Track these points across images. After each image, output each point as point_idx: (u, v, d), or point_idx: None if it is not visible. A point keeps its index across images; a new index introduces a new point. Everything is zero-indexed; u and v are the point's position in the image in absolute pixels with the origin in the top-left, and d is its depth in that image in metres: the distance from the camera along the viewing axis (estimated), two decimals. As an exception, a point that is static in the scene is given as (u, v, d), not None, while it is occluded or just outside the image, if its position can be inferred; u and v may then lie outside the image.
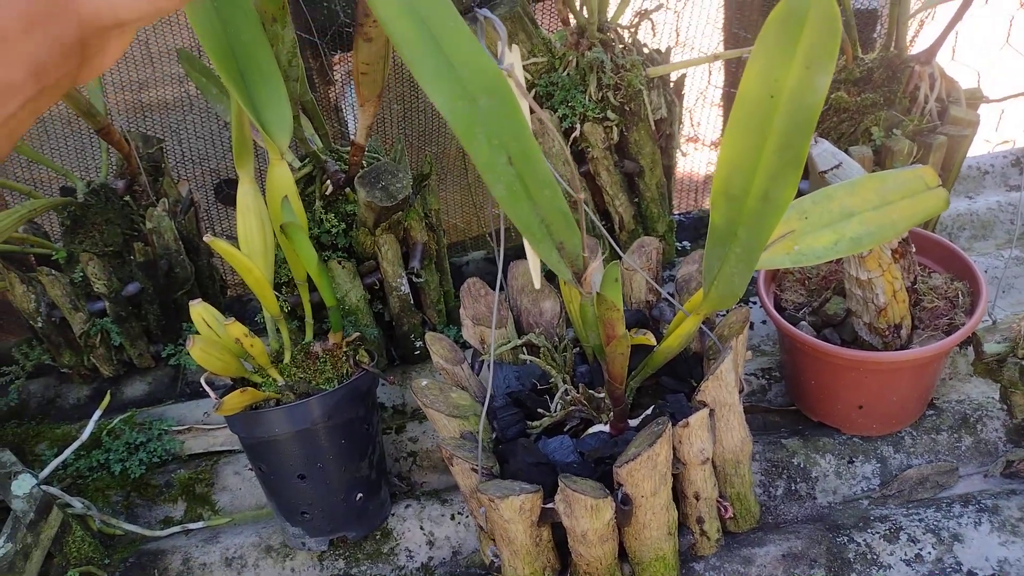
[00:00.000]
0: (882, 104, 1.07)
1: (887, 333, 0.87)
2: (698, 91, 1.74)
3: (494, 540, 0.86)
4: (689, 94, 1.80)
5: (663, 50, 1.22)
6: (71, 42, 0.33)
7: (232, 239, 1.09)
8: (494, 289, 1.04)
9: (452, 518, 1.01)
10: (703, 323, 0.80)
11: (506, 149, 0.54)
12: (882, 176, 0.75)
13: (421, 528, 1.01)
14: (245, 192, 0.94)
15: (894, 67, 1.07)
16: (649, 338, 0.78)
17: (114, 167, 1.29)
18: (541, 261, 0.75)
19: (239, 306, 1.45)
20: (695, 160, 2.21)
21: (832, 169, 0.82)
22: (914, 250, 0.90)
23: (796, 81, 0.50)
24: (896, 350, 0.87)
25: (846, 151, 1.04)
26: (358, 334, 1.02)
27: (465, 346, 1.13)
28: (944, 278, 0.93)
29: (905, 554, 0.85)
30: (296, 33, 0.97)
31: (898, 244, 0.85)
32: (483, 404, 0.90)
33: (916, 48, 1.16)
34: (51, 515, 0.97)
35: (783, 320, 0.90)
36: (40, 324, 1.21)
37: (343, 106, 1.72)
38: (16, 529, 0.92)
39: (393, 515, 1.02)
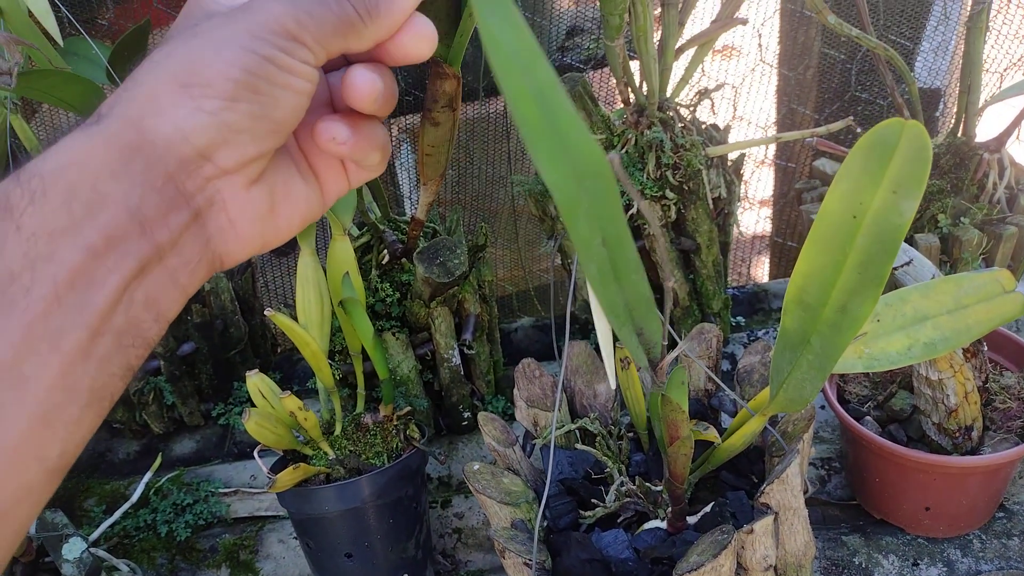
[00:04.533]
0: (949, 191, 1.05)
1: (957, 435, 0.84)
2: (754, 160, 1.74)
3: (543, 634, 0.83)
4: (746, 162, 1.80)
5: (721, 126, 1.22)
6: (160, 182, 0.33)
7: (288, 305, 1.10)
8: (545, 360, 1.03)
9: (498, 602, 0.99)
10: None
11: (602, 231, 0.53)
12: (957, 279, 0.72)
13: (466, 610, 0.99)
14: (305, 264, 0.95)
15: (962, 154, 1.05)
16: (713, 435, 0.76)
17: (176, 227, 1.31)
18: (614, 351, 0.74)
19: (288, 365, 1.46)
20: (745, 220, 2.19)
21: (903, 266, 0.80)
22: (986, 348, 0.87)
23: (881, 204, 0.49)
24: (966, 452, 0.84)
25: (912, 239, 1.02)
26: (409, 408, 1.01)
27: (514, 419, 1.12)
28: (1017, 376, 0.90)
29: (976, 671, 0.81)
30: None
31: (970, 343, 0.82)
32: (535, 489, 0.88)
33: (980, 129, 1.14)
34: (99, 580, 0.97)
35: (847, 415, 0.87)
36: (97, 380, 1.23)
37: (397, 167, 1.75)
38: (64, 594, 0.93)
39: (437, 595, 1.00)
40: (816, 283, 0.57)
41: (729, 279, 1.41)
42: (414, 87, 1.51)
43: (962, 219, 1.02)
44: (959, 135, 1.06)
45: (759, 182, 2.24)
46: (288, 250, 1.91)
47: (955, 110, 1.10)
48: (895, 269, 0.81)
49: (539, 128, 0.46)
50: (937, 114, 1.33)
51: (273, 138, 0.36)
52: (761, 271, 2.17)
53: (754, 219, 2.25)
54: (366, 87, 0.38)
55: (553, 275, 1.67)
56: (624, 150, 1.10)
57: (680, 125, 1.11)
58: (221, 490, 1.19)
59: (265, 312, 0.88)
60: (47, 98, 0.95)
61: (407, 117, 1.75)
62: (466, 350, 1.14)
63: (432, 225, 1.19)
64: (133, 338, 0.33)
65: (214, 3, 0.36)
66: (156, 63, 0.33)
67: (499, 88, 0.41)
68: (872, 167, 0.47)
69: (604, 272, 0.57)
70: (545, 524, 0.85)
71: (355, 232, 1.16)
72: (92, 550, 0.99)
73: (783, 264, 1.70)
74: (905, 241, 0.89)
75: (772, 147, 1.83)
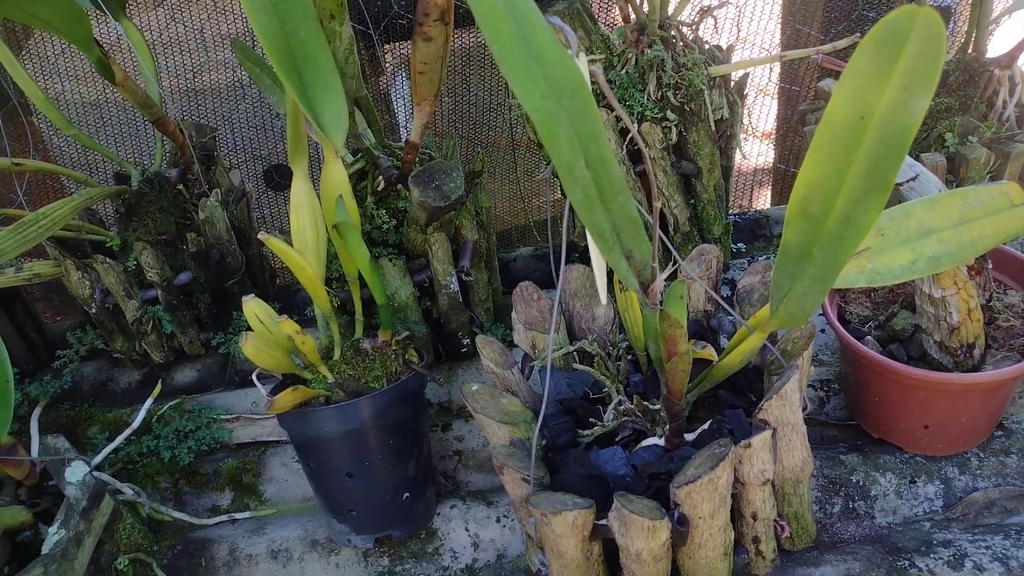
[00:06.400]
0: (957, 109, 1.02)
1: (959, 352, 0.83)
2: (756, 87, 1.70)
3: (542, 549, 0.85)
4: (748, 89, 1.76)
5: (724, 47, 1.18)
6: None
7: (284, 233, 1.08)
8: (544, 288, 1.02)
9: (497, 520, 1.00)
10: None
11: (584, 151, 0.52)
12: (963, 192, 0.71)
13: (466, 529, 1.00)
14: (299, 189, 0.93)
15: (972, 71, 1.02)
16: (711, 353, 0.76)
17: (168, 156, 1.29)
18: (607, 272, 0.73)
19: (287, 296, 1.46)
20: (747, 150, 2.15)
21: (908, 181, 0.78)
22: (991, 266, 0.86)
23: (890, 104, 0.47)
24: (968, 370, 0.84)
25: (917, 158, 1.00)
26: (408, 333, 1.01)
27: (513, 345, 1.12)
28: (1021, 295, 0.89)
29: (969, 582, 0.82)
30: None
31: (975, 260, 0.81)
32: (533, 409, 0.88)
33: (991, 47, 1.10)
34: (103, 502, 0.99)
35: (848, 335, 0.87)
36: (94, 310, 1.23)
37: (393, 95, 1.71)
38: (69, 516, 0.94)
39: (438, 515, 1.02)
40: (820, 192, 0.55)
41: (730, 207, 1.39)
42: (408, 10, 1.47)
43: (970, 137, 0.99)
44: (969, 51, 1.03)
45: (762, 110, 2.20)
46: (285, 184, 1.89)
47: (965, 29, 1.06)
48: (900, 185, 0.79)
49: (512, 45, 0.44)
50: (948, 32, 1.29)
51: None
52: (763, 201, 2.14)
53: (756, 151, 2.22)
54: None
55: (552, 206, 1.66)
56: (624, 70, 1.07)
57: (681, 44, 1.08)
58: (223, 416, 1.19)
59: (259, 235, 0.86)
60: (25, 18, 0.92)
61: (401, 45, 1.71)
62: (464, 277, 1.13)
63: (428, 151, 1.17)
64: None
65: None
66: None
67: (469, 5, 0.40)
68: (882, 62, 0.45)
69: (590, 196, 0.55)
70: (544, 443, 0.86)
71: (349, 159, 1.14)
72: (95, 474, 1.00)
73: (785, 191, 1.68)
74: (917, 164, 0.87)
75: (776, 74, 1.78)
